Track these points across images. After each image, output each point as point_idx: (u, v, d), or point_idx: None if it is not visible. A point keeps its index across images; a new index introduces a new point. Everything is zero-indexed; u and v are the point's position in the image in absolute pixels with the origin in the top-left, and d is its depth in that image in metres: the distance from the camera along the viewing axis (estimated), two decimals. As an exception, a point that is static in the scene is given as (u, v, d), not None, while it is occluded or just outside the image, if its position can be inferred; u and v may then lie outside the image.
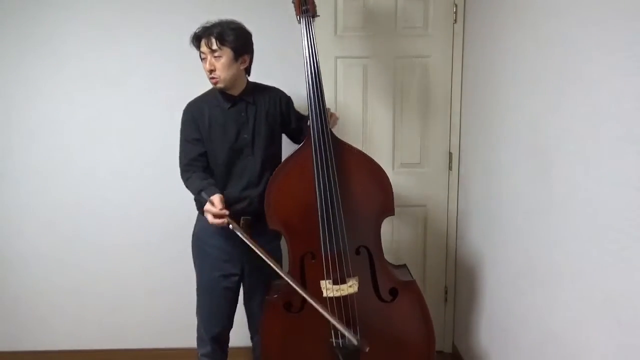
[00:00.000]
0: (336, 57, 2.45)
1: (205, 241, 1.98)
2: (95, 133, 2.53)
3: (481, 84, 2.26)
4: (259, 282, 2.03)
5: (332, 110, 2.04)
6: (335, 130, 1.92)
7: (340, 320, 1.83)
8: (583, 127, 1.40)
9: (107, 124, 2.52)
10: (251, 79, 2.02)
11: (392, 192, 1.90)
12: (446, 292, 2.67)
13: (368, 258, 1.91)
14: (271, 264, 1.72)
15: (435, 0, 2.43)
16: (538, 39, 1.68)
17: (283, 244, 2.03)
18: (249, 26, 1.93)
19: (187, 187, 1.93)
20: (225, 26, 1.84)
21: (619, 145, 1.24)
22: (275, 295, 1.92)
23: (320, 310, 1.73)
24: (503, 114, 2.00)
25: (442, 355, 2.66)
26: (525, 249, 1.80)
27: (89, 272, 2.63)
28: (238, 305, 2.10)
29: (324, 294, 1.83)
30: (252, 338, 2.22)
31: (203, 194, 1.78)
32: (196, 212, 2.04)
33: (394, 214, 1.92)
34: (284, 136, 2.10)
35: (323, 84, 1.84)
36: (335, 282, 1.83)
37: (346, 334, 1.71)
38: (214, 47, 1.82)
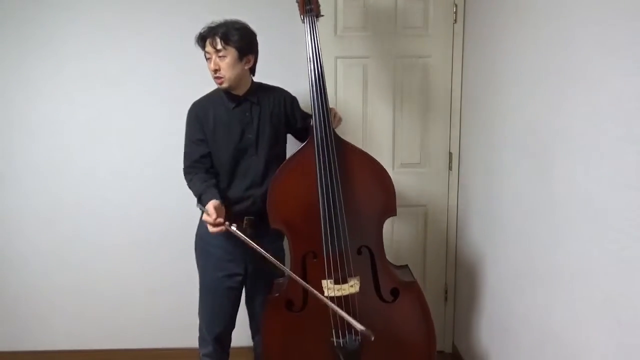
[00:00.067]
0: (336, 57, 2.45)
1: (208, 241, 1.98)
2: (95, 133, 2.53)
3: (481, 84, 2.26)
4: (262, 282, 2.03)
5: (336, 110, 2.05)
6: (336, 130, 1.92)
7: (341, 319, 1.83)
8: (583, 127, 1.40)
9: (107, 124, 2.52)
10: (251, 78, 2.02)
11: (395, 193, 1.90)
12: (446, 292, 2.67)
13: (370, 258, 1.91)
14: (273, 261, 1.72)
15: (435, 0, 2.43)
16: (538, 39, 1.68)
17: (286, 244, 2.04)
18: (248, 26, 1.93)
19: (189, 188, 1.94)
20: (230, 26, 1.85)
21: (619, 145, 1.24)
22: (277, 294, 1.92)
23: (325, 301, 1.71)
24: (503, 113, 2.00)
25: (442, 355, 2.66)
26: (525, 249, 1.81)
27: (89, 272, 2.63)
28: (240, 305, 2.11)
29: (326, 294, 1.83)
30: (253, 337, 2.22)
31: (199, 205, 1.80)
32: (197, 212, 2.04)
33: (396, 215, 1.92)
34: (289, 136, 2.11)
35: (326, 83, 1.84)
36: (336, 282, 1.83)
37: (352, 322, 1.66)
38: (219, 47, 1.82)
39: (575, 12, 1.44)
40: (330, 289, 1.83)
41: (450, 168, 2.57)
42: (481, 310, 2.29)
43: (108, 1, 2.43)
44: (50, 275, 2.63)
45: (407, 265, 2.10)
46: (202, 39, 1.87)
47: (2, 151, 2.54)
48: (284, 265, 1.98)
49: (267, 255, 1.71)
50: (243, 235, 1.73)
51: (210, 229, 1.74)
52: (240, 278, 2.02)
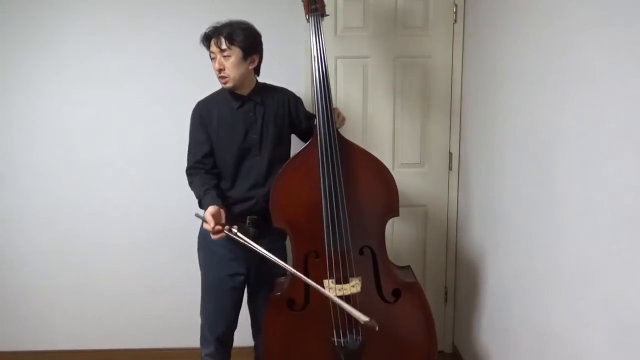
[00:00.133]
0: (336, 57, 2.46)
1: (211, 240, 1.98)
2: (95, 133, 2.53)
3: (481, 84, 2.26)
4: (264, 282, 2.03)
5: (339, 110, 2.05)
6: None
7: (342, 319, 1.83)
8: (583, 127, 1.40)
9: (108, 124, 2.53)
10: (251, 78, 2.02)
11: (397, 193, 1.91)
12: (446, 292, 2.67)
13: (372, 258, 1.91)
14: (275, 260, 1.71)
15: (435, 0, 2.43)
16: (539, 39, 1.68)
17: (288, 244, 2.04)
18: (249, 27, 1.93)
19: (190, 189, 1.95)
20: (235, 26, 1.86)
21: (619, 145, 1.24)
22: (279, 293, 1.92)
23: (326, 293, 1.70)
24: (503, 113, 2.00)
25: (442, 355, 2.66)
26: (525, 249, 1.81)
27: (89, 272, 2.63)
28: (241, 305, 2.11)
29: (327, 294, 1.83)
30: (254, 337, 2.22)
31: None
32: (199, 211, 2.04)
33: (398, 215, 1.92)
34: (293, 136, 2.11)
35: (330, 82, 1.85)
36: (338, 282, 1.83)
37: (354, 313, 1.63)
38: (223, 46, 1.83)
39: (576, 13, 1.44)
40: (331, 288, 1.83)
41: (450, 168, 2.57)
42: (481, 310, 2.29)
43: (108, 1, 2.43)
44: (51, 275, 2.63)
45: (409, 266, 2.10)
46: (207, 39, 1.88)
47: (2, 151, 2.54)
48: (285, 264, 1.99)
49: (269, 254, 1.71)
50: (243, 238, 1.73)
51: (212, 236, 1.77)
52: (242, 278, 2.03)
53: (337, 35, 2.45)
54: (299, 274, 1.74)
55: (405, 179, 2.53)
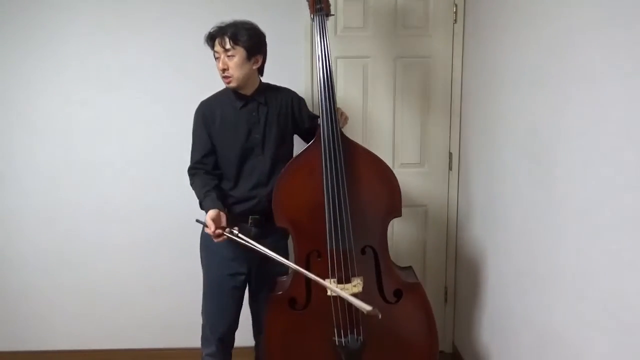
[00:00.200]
0: (336, 57, 2.45)
1: (212, 240, 1.99)
2: (95, 133, 2.53)
3: (481, 84, 2.26)
4: (265, 281, 2.03)
5: (342, 110, 2.05)
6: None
7: (343, 318, 1.83)
8: (584, 127, 1.40)
9: (108, 124, 2.52)
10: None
11: (400, 194, 1.91)
12: (446, 292, 2.67)
13: (373, 258, 1.91)
14: (277, 257, 1.71)
15: (435, 0, 2.43)
16: (539, 39, 1.68)
17: (290, 244, 2.04)
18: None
19: (192, 189, 1.97)
20: (239, 26, 1.86)
21: (619, 145, 1.24)
22: (280, 292, 1.92)
23: (327, 285, 1.70)
24: (504, 113, 2.00)
25: (443, 355, 2.66)
26: (525, 249, 1.81)
27: (89, 272, 2.62)
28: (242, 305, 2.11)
29: (329, 293, 1.84)
30: (255, 337, 2.23)
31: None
32: (198, 211, 2.04)
33: (400, 215, 1.93)
34: (296, 136, 2.11)
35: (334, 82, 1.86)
36: (340, 281, 1.83)
37: (356, 303, 1.62)
38: (227, 46, 1.84)
39: (576, 13, 1.44)
40: None
41: (450, 168, 2.57)
42: (481, 310, 2.29)
43: (108, 2, 2.43)
44: (51, 275, 2.62)
45: (410, 267, 2.10)
46: (211, 39, 1.88)
47: (2, 151, 2.54)
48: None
49: (270, 253, 1.71)
50: (244, 238, 1.73)
51: (214, 239, 1.79)
52: (243, 277, 2.03)
53: (337, 35, 2.45)
54: (300, 268, 1.74)
55: (406, 179, 2.52)
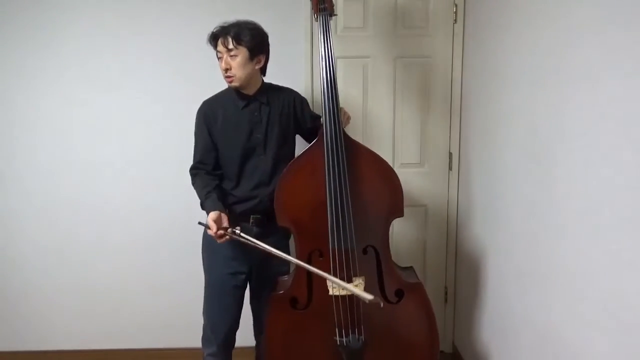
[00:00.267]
0: (336, 57, 2.44)
1: (213, 240, 1.99)
2: (96, 133, 2.53)
3: (481, 84, 2.26)
4: (266, 281, 2.03)
5: (345, 109, 2.05)
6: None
7: (345, 318, 1.84)
8: (584, 127, 1.40)
9: (108, 124, 2.53)
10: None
11: (402, 194, 1.91)
12: (446, 292, 2.67)
13: (375, 258, 1.91)
14: (280, 254, 1.71)
15: (435, 0, 2.44)
16: (539, 39, 1.68)
17: (292, 244, 2.04)
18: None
19: (194, 188, 1.97)
20: (242, 26, 1.87)
21: (619, 145, 1.24)
22: (282, 291, 1.92)
23: (327, 277, 1.69)
24: (504, 113, 2.00)
25: (443, 355, 2.66)
26: (525, 249, 1.81)
27: (90, 271, 2.63)
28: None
29: (330, 292, 1.84)
30: (256, 337, 2.23)
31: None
32: (198, 211, 2.04)
33: (402, 216, 1.92)
34: (298, 137, 2.11)
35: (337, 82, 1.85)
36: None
37: (357, 292, 1.60)
38: (230, 46, 1.84)
39: (576, 13, 1.44)
40: (335, 287, 1.83)
41: (450, 168, 2.57)
42: (481, 310, 2.29)
43: (108, 2, 2.43)
44: (51, 275, 2.63)
45: (412, 267, 2.10)
46: (214, 38, 1.88)
47: (2, 151, 2.54)
48: (289, 266, 2.00)
49: (273, 250, 1.70)
50: (247, 238, 1.73)
51: (217, 240, 1.80)
52: (244, 277, 2.03)
53: (337, 35, 2.45)
54: (302, 263, 1.74)
55: (406, 179, 2.51)
